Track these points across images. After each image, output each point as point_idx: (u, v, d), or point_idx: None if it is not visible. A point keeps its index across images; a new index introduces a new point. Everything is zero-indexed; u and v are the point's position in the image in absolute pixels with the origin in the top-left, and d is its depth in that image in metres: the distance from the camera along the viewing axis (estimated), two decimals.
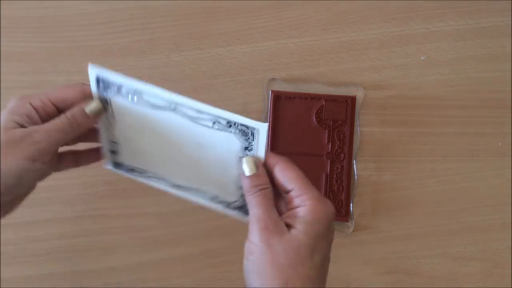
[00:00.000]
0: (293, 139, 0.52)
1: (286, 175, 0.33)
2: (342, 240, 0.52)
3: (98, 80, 0.37)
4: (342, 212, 0.51)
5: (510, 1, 0.53)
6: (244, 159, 0.34)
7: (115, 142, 0.40)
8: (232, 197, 0.38)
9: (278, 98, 0.52)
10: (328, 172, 0.51)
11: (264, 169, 0.34)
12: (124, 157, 0.41)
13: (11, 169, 0.33)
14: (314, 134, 0.52)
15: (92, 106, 0.36)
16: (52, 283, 0.52)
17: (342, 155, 0.51)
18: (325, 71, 0.53)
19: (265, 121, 0.52)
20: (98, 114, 0.37)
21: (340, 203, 0.51)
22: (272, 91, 0.52)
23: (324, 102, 0.52)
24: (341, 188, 0.51)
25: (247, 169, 0.33)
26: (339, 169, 0.51)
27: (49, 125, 0.35)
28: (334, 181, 0.51)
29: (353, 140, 0.51)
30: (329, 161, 0.51)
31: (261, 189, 0.33)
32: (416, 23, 0.53)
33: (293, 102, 0.52)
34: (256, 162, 0.34)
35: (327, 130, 0.52)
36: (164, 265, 0.52)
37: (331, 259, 0.52)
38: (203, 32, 0.53)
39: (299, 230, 0.31)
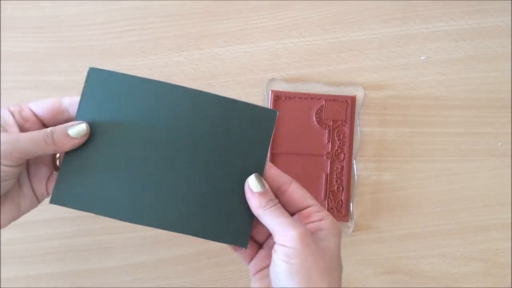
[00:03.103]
0: (293, 139, 0.52)
1: (304, 192, 0.36)
2: (342, 240, 0.52)
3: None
4: (342, 212, 0.51)
5: (510, 1, 0.53)
6: (250, 177, 0.35)
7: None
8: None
9: (278, 98, 0.52)
10: (328, 172, 0.51)
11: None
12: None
13: None
14: (314, 134, 0.52)
15: (77, 128, 0.35)
16: (52, 283, 0.52)
17: (342, 155, 0.51)
18: (325, 71, 0.53)
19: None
20: (82, 137, 0.36)
21: (340, 203, 0.51)
22: (272, 91, 0.52)
23: (324, 102, 0.52)
24: (341, 188, 0.51)
25: (257, 185, 0.35)
26: (339, 169, 0.51)
27: (25, 133, 0.34)
28: (334, 181, 0.51)
29: (353, 140, 0.51)
30: (329, 161, 0.51)
31: (277, 203, 0.35)
32: (416, 23, 0.53)
33: (293, 102, 0.52)
34: (262, 179, 0.36)
35: (327, 130, 0.52)
36: (164, 265, 0.52)
37: None
38: (203, 32, 0.53)
39: (330, 241, 0.34)
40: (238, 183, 0.36)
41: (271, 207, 0.34)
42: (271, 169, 0.36)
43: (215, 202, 0.36)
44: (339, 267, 0.34)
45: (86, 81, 0.37)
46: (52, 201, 0.36)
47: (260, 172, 0.36)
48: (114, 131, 0.36)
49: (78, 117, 0.36)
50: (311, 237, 0.33)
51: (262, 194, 0.35)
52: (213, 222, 0.36)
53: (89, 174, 0.36)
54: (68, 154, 0.36)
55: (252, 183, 0.35)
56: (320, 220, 0.35)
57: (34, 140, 0.34)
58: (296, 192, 0.35)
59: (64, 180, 0.36)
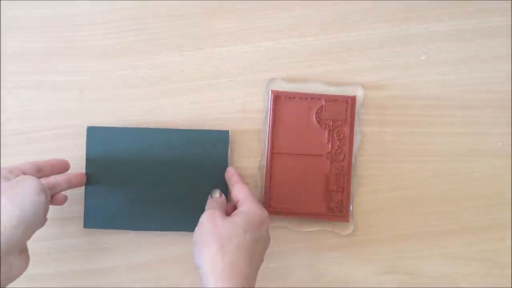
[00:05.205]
0: (293, 139, 0.52)
1: (239, 189, 0.47)
2: (342, 240, 0.52)
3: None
4: (342, 212, 0.51)
5: (510, 1, 0.53)
6: (213, 190, 0.49)
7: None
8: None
9: (278, 98, 0.52)
10: (328, 172, 0.51)
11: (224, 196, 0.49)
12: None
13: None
14: (314, 134, 0.52)
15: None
16: (52, 283, 0.52)
17: (342, 155, 0.51)
18: (325, 71, 0.53)
19: (264, 121, 0.52)
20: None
21: (340, 203, 0.51)
22: (272, 91, 0.52)
23: (324, 102, 0.52)
24: (341, 188, 0.51)
25: (216, 194, 0.49)
26: (339, 169, 0.51)
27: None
28: (334, 181, 0.51)
29: (353, 140, 0.51)
30: (329, 161, 0.51)
31: (216, 200, 0.48)
32: (416, 23, 0.53)
33: (293, 102, 0.52)
34: (220, 192, 0.49)
35: (327, 130, 0.52)
36: (164, 265, 0.52)
37: (331, 260, 0.53)
38: (203, 32, 0.53)
39: (237, 216, 0.44)
40: (210, 189, 0.49)
41: (209, 200, 0.49)
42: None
43: (194, 206, 0.49)
44: (242, 234, 0.42)
45: (87, 137, 0.50)
46: (85, 227, 0.51)
47: (223, 176, 0.50)
48: (115, 170, 0.50)
49: (87, 165, 0.50)
50: (216, 214, 0.43)
51: (213, 198, 0.49)
52: (194, 220, 0.46)
53: (104, 203, 0.51)
54: (87, 192, 0.51)
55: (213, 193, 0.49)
56: (241, 206, 0.46)
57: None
58: (234, 190, 0.47)
59: (88, 212, 0.51)
